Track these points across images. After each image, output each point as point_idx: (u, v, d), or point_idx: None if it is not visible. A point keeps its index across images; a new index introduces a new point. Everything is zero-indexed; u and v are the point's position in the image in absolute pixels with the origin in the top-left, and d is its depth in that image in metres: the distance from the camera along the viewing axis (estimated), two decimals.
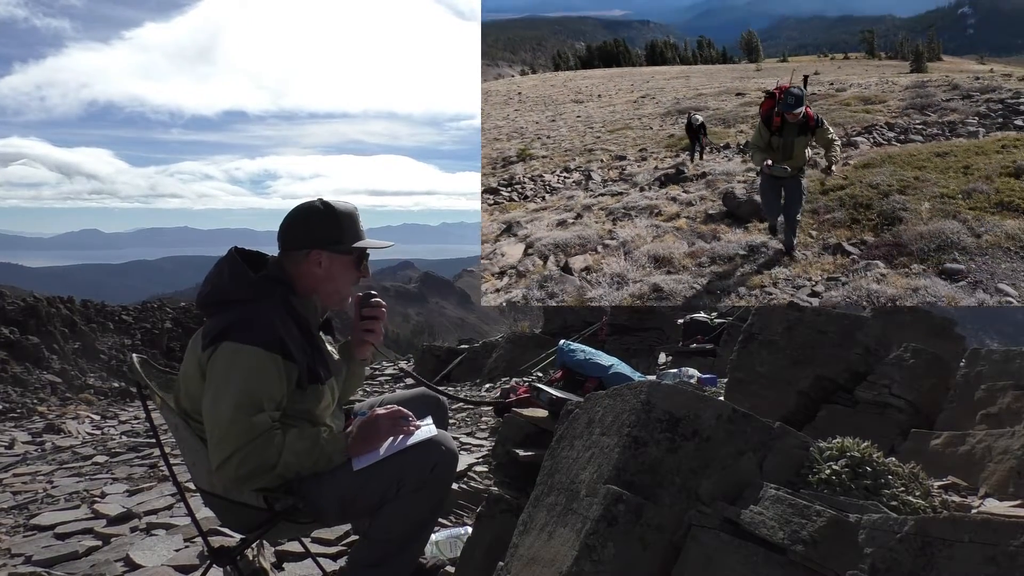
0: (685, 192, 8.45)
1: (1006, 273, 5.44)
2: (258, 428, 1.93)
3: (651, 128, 12.46)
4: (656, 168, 9.78)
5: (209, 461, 1.97)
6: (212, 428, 1.95)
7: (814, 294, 5.58)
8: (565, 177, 10.19)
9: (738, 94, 14.25)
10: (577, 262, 6.78)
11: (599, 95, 17.55)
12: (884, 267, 5.74)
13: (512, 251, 7.43)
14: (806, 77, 6.76)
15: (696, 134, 9.70)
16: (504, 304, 6.87)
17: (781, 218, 6.17)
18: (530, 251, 7.28)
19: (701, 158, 9.80)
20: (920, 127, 9.73)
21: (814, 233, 6.51)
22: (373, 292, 2.36)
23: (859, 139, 9.45)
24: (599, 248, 7.06)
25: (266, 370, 1.97)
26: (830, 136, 5.71)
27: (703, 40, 26.85)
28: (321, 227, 2.15)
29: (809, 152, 5.91)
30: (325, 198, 2.19)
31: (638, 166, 10.13)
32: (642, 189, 8.90)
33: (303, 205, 2.20)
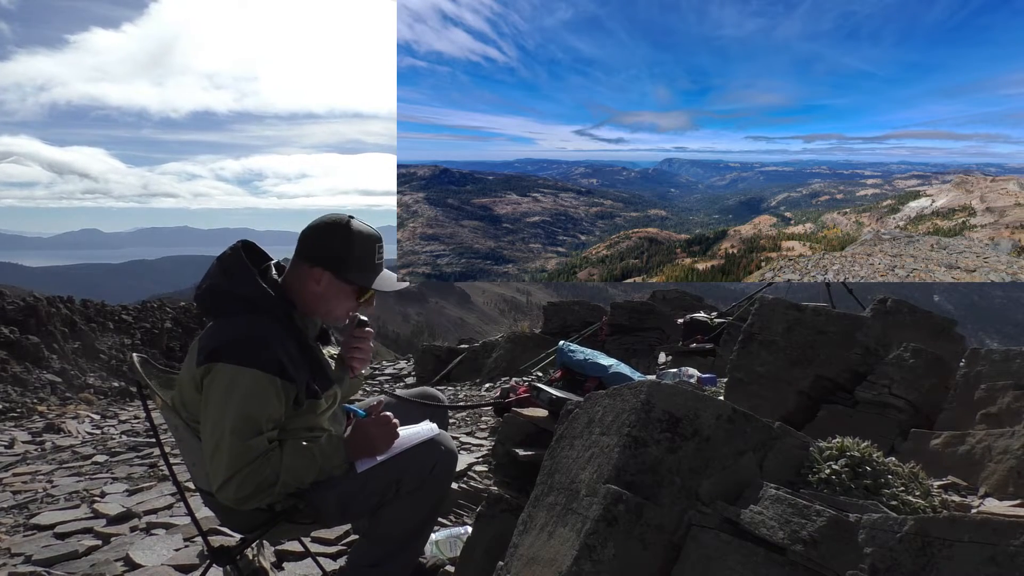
0: None
1: None
2: (255, 451, 1.92)
3: None
4: None
5: (209, 484, 1.97)
6: (210, 452, 1.94)
7: None
8: None
9: None
10: None
11: None
12: None
13: None
14: None
15: None
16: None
17: None
18: None
19: None
20: None
21: None
22: (365, 319, 2.32)
23: None
24: None
25: (264, 392, 1.94)
26: None
27: None
28: (332, 247, 2.09)
29: None
30: (356, 219, 2.11)
31: None
32: None
33: (330, 217, 2.13)
